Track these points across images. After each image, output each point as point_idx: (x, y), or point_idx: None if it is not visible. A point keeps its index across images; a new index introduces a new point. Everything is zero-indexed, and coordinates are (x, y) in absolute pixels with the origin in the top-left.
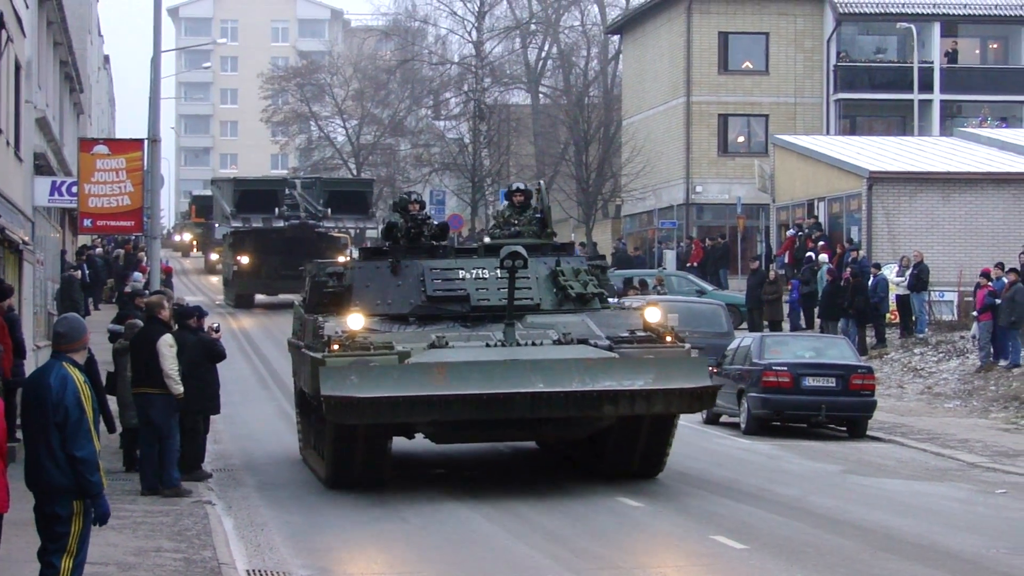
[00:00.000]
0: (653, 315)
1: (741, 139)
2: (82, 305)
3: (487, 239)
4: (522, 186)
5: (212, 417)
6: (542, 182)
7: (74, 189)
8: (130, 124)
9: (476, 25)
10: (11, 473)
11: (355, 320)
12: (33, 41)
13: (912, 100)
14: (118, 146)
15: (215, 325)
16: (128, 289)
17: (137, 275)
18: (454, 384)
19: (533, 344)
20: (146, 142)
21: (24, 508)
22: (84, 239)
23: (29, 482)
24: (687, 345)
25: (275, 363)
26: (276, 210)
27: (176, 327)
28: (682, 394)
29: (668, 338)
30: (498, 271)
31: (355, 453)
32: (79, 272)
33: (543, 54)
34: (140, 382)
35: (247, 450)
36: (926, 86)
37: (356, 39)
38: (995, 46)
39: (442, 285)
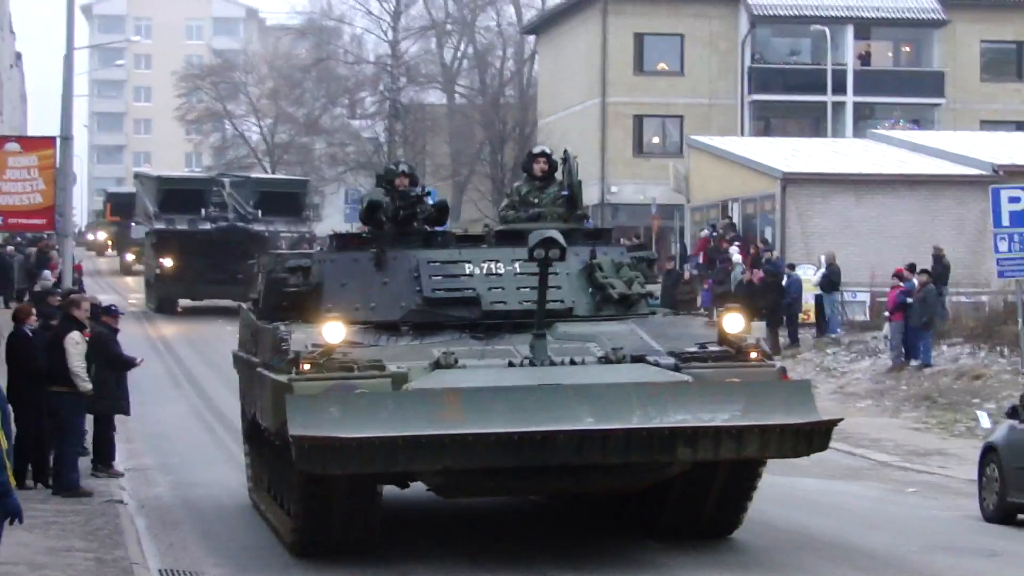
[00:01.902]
0: (734, 323)
1: (656, 140)
2: None
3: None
4: (547, 150)
5: (123, 417)
6: (568, 149)
7: None
8: (42, 121)
9: (392, 24)
10: None
11: (333, 330)
12: None
13: (826, 102)
14: (30, 143)
15: (140, 361)
16: (38, 288)
17: (47, 273)
18: (471, 419)
19: (572, 363)
20: (58, 140)
21: None
22: None
23: None
24: (777, 364)
25: (188, 362)
26: (203, 211)
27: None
28: (784, 433)
29: (753, 354)
30: (516, 265)
31: (333, 511)
32: None
33: (459, 54)
34: (52, 380)
35: (160, 450)
36: (839, 88)
37: (271, 37)
38: (907, 49)
39: (443, 283)
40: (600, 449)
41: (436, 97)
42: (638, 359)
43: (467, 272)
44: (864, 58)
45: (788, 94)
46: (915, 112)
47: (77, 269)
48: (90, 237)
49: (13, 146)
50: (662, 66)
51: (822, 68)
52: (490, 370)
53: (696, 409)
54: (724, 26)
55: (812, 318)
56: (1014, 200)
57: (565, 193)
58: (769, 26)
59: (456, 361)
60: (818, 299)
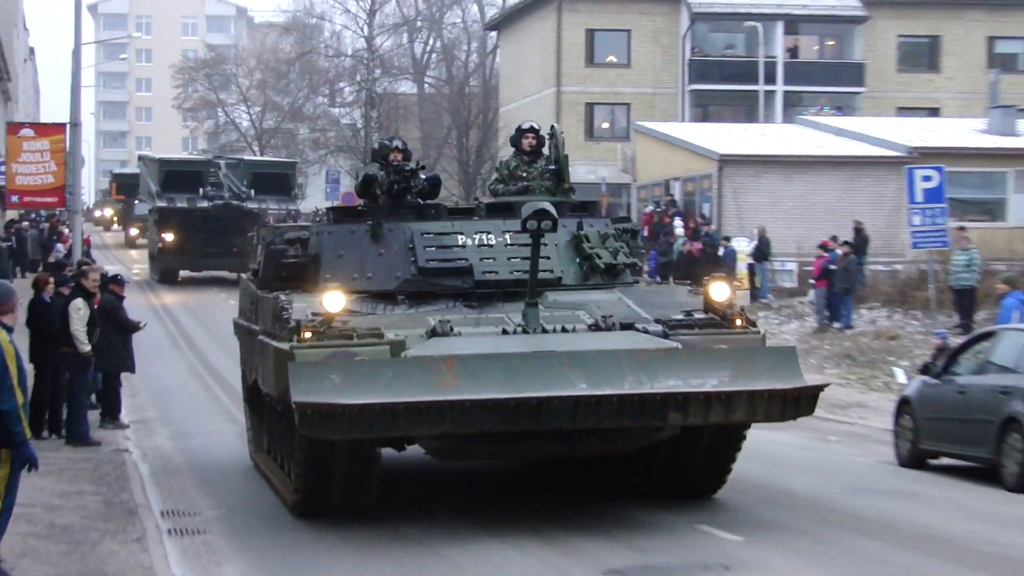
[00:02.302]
0: (720, 291)
1: (606, 125)
2: (9, 273)
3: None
4: (535, 126)
5: (129, 375)
6: (555, 125)
7: (2, 168)
8: (53, 110)
9: (367, 21)
10: None
11: (334, 299)
12: None
13: (758, 91)
14: (43, 129)
15: (143, 324)
16: (52, 259)
17: (59, 246)
18: (468, 385)
19: (564, 330)
20: (68, 126)
21: None
22: (12, 214)
23: None
24: (762, 331)
25: (187, 327)
26: (201, 190)
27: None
28: (772, 398)
29: (738, 321)
30: (507, 236)
31: (334, 474)
32: (9, 243)
33: (428, 48)
34: (62, 342)
35: (161, 404)
36: (770, 79)
37: (259, 34)
38: (831, 43)
39: (437, 254)
40: (593, 414)
41: (408, 87)
42: (627, 326)
43: (459, 243)
44: (792, 51)
45: (724, 84)
46: (838, 100)
47: (86, 243)
48: (97, 214)
49: (27, 132)
50: (611, 59)
51: (755, 60)
52: (485, 338)
53: (686, 375)
54: (667, 22)
55: (745, 285)
56: (927, 179)
57: (552, 167)
58: (707, 22)
59: (452, 329)
60: (751, 268)
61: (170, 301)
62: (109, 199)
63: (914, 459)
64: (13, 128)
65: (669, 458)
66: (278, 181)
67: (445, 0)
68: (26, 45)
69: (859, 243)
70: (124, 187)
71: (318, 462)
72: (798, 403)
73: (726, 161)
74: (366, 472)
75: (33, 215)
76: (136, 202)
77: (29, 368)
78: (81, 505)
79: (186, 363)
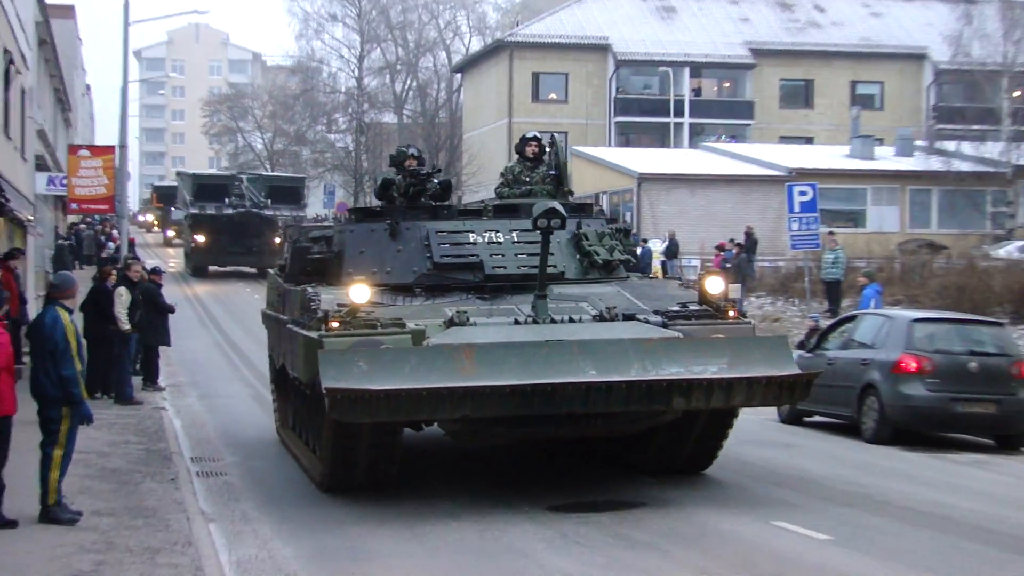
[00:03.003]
0: (715, 285)
1: (548, 149)
2: (70, 266)
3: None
4: (538, 135)
5: (165, 348)
6: (555, 135)
7: (64, 182)
8: (105, 134)
9: (358, 65)
10: (19, 387)
11: (359, 291)
12: (35, 73)
13: (669, 123)
14: (97, 150)
15: (175, 307)
16: (104, 255)
17: (110, 244)
18: (485, 372)
19: (571, 320)
20: (117, 148)
21: (28, 412)
22: (72, 218)
23: (32, 393)
24: (752, 322)
25: (213, 310)
26: (226, 199)
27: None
28: (770, 384)
29: (731, 313)
30: (514, 234)
31: (359, 453)
32: (69, 241)
33: (406, 87)
34: (112, 322)
35: (191, 371)
36: (679, 113)
37: (271, 74)
38: (727, 85)
39: (451, 250)
40: (604, 399)
41: (389, 118)
42: (629, 317)
43: (471, 240)
44: (697, 91)
45: (642, 117)
46: (733, 130)
47: (131, 242)
48: (141, 219)
49: (84, 152)
50: (552, 96)
51: (666, 99)
52: (499, 327)
53: (687, 362)
54: (597, 68)
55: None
56: (803, 194)
57: (553, 172)
58: (629, 68)
59: (468, 319)
60: (663, 264)
61: (200, 291)
62: (151, 206)
63: (793, 417)
64: (73, 149)
65: (666, 439)
66: (290, 193)
67: (420, 48)
68: (83, 82)
69: (749, 244)
70: (163, 197)
71: (345, 442)
72: (793, 389)
73: (644, 178)
74: (389, 451)
75: (88, 219)
76: (173, 209)
77: (84, 342)
78: (126, 452)
79: (212, 339)
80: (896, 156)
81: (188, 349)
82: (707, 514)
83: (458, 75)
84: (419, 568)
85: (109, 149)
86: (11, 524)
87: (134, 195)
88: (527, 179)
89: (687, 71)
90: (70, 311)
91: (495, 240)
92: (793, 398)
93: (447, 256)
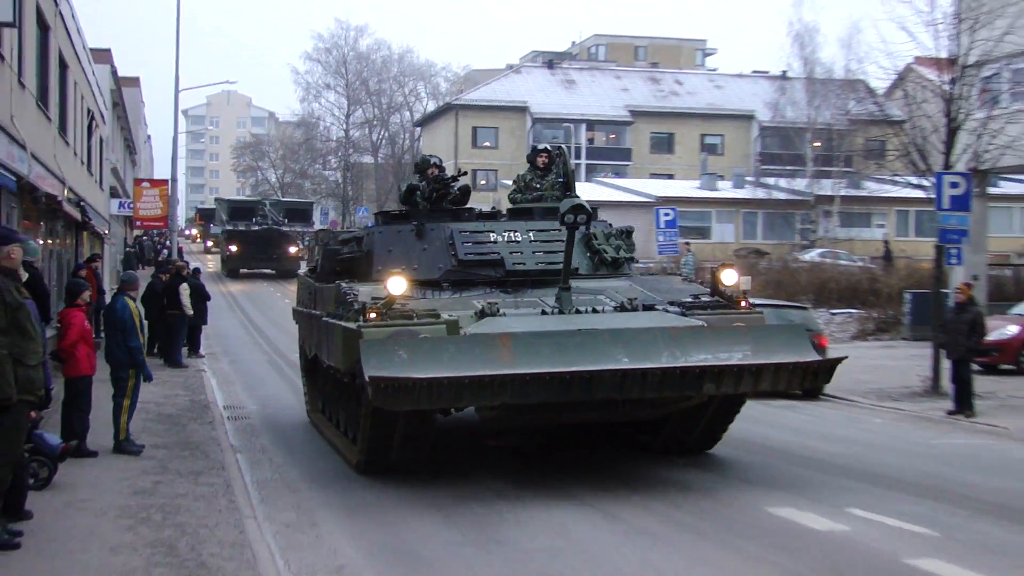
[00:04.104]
0: (730, 277)
1: (483, 182)
2: (135, 266)
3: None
4: (547, 147)
5: (205, 327)
6: (563, 146)
7: (130, 205)
8: (161, 171)
9: (345, 121)
10: (97, 356)
11: (397, 283)
12: (110, 127)
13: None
14: (155, 183)
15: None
16: (160, 259)
17: (164, 251)
18: (523, 360)
19: (595, 311)
20: (170, 180)
21: (103, 373)
22: (136, 232)
23: (106, 359)
24: (762, 312)
25: (241, 301)
26: (253, 219)
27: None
28: (796, 370)
29: (743, 303)
30: (531, 234)
31: (395, 437)
32: (134, 249)
33: (380, 137)
34: (171, 307)
35: (223, 343)
36: (578, 156)
37: (281, 127)
38: (613, 136)
39: (473, 248)
40: (638, 385)
41: (368, 159)
42: (649, 308)
43: (492, 239)
44: (591, 140)
45: None
46: (617, 169)
47: (180, 250)
48: (187, 232)
49: (146, 184)
50: (487, 144)
51: (569, 146)
52: (529, 317)
53: (713, 349)
54: (519, 123)
55: None
56: (667, 215)
57: (561, 180)
58: (542, 124)
59: (498, 310)
60: None
61: (233, 288)
62: (195, 223)
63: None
64: (137, 182)
65: (680, 422)
66: (301, 213)
67: (390, 108)
68: (145, 133)
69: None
70: (204, 216)
71: (382, 427)
72: (817, 374)
73: None
74: (424, 435)
75: (148, 233)
76: (212, 226)
77: (146, 323)
78: (176, 403)
79: (239, 321)
80: (733, 188)
81: (222, 328)
82: (736, 493)
83: (418, 128)
84: (424, 501)
85: (163, 182)
86: (93, 454)
87: (182, 215)
88: (538, 186)
89: (584, 126)
90: (134, 299)
91: (514, 239)
92: (816, 382)
93: (471, 254)
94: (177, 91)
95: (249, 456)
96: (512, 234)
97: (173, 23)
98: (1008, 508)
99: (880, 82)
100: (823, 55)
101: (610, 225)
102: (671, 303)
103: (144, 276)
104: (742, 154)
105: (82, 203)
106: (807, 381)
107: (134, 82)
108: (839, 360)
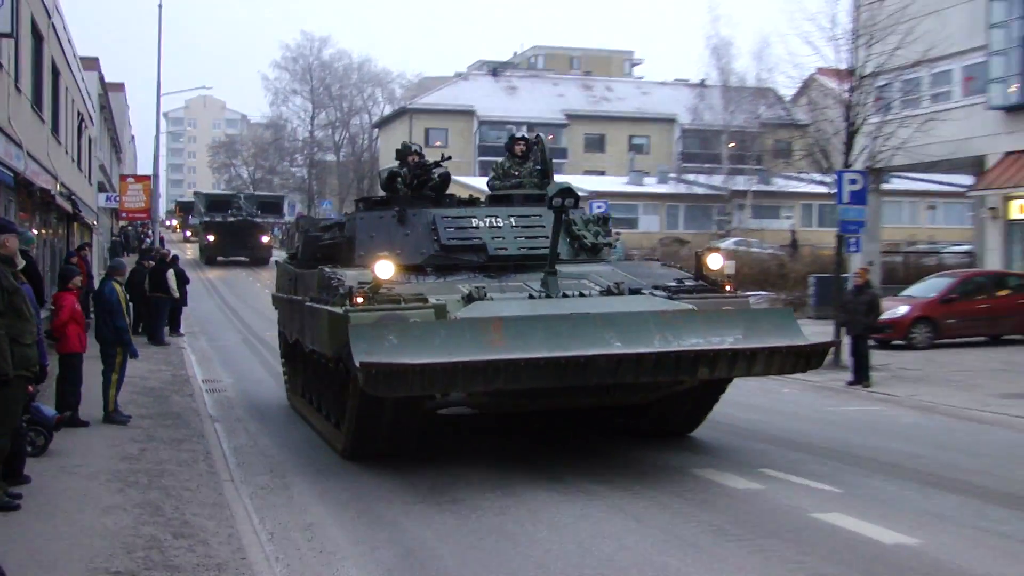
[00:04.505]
0: (715, 261)
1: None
2: (121, 254)
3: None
4: (524, 134)
5: (186, 308)
6: (541, 135)
7: (116, 199)
8: (144, 167)
9: (310, 123)
10: (88, 334)
11: (384, 267)
12: (97, 128)
13: None
14: (138, 179)
15: (174, 254)
16: (144, 247)
17: (147, 240)
18: (515, 345)
19: (581, 295)
20: (152, 176)
21: (93, 350)
22: (122, 223)
23: (96, 338)
24: (748, 296)
25: (218, 285)
26: (229, 211)
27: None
28: (789, 354)
29: (727, 287)
30: (512, 219)
31: (382, 423)
32: (120, 238)
33: (342, 137)
34: (155, 290)
35: (202, 323)
36: None
37: (253, 128)
38: (551, 137)
39: (456, 234)
40: (633, 370)
41: (331, 157)
42: (635, 292)
43: (474, 225)
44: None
45: (495, 157)
46: (555, 166)
47: (161, 239)
48: (168, 223)
49: (130, 179)
50: (438, 143)
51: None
52: (518, 302)
53: (705, 333)
54: (467, 125)
55: None
56: (599, 207)
57: (539, 167)
58: (487, 126)
59: (486, 294)
60: None
61: (211, 275)
62: (175, 215)
63: None
64: (123, 177)
65: (665, 405)
66: (273, 206)
67: (351, 112)
68: (130, 133)
69: None
70: (183, 208)
71: (369, 414)
72: (809, 358)
73: (494, 197)
74: (411, 421)
75: (132, 223)
76: (190, 217)
77: (131, 305)
78: (159, 377)
79: (216, 303)
80: (657, 184)
81: (200, 310)
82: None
83: (376, 129)
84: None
85: (147, 177)
86: (84, 424)
87: (163, 207)
88: (516, 173)
89: (525, 128)
90: (121, 284)
91: (495, 224)
92: (809, 366)
93: (453, 239)
94: (159, 96)
95: (226, 425)
96: (494, 219)
97: (155, 34)
98: (900, 467)
99: (787, 90)
100: (737, 65)
101: (586, 212)
102: (656, 287)
103: (129, 262)
104: (666, 153)
105: (73, 197)
106: (799, 365)
107: (119, 87)
108: (831, 344)
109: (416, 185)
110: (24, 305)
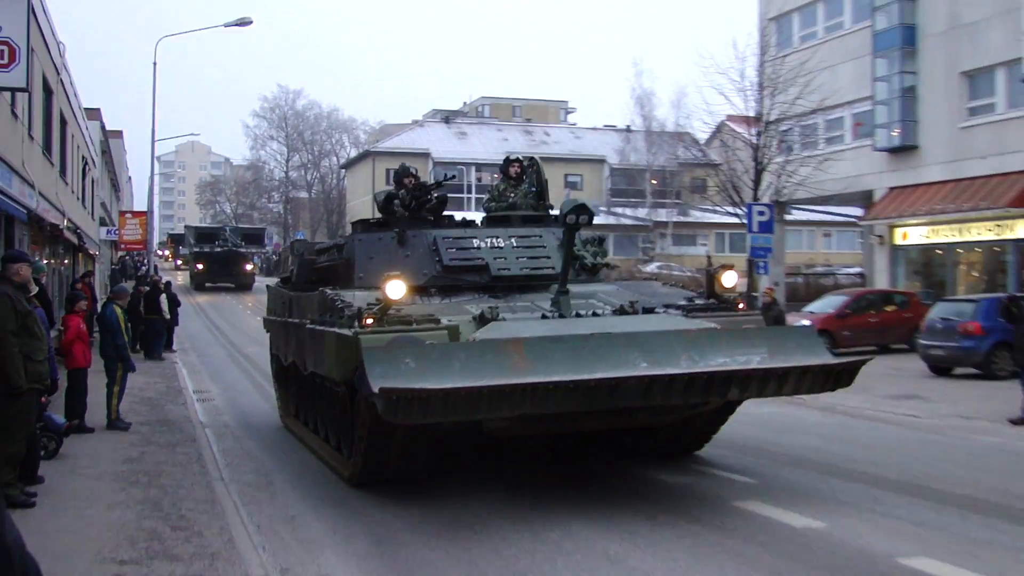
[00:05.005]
0: (730, 279)
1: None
2: (120, 280)
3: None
4: (519, 157)
5: (177, 328)
6: (536, 157)
7: (116, 232)
8: (140, 204)
9: (286, 164)
10: (93, 351)
11: (395, 288)
12: (99, 170)
13: (462, 197)
14: (135, 214)
15: (167, 280)
16: (140, 274)
17: (142, 268)
18: (539, 367)
19: (595, 314)
20: (147, 212)
21: (97, 365)
22: (120, 253)
23: (100, 354)
24: (760, 314)
25: (206, 308)
26: (216, 242)
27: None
28: (819, 373)
29: (740, 305)
30: (512, 240)
31: (393, 447)
32: (118, 266)
33: (313, 177)
34: (150, 313)
35: (192, 341)
36: (470, 191)
37: (235, 169)
38: (496, 176)
39: (458, 254)
40: (664, 392)
41: (304, 194)
42: (649, 310)
43: (475, 245)
44: (479, 179)
45: (451, 193)
46: None
47: (155, 267)
48: (161, 253)
49: (128, 215)
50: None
51: (462, 184)
52: (533, 322)
53: (731, 352)
54: (423, 166)
55: None
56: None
57: (534, 189)
58: (441, 166)
59: (499, 315)
60: None
61: (200, 299)
62: (167, 245)
63: None
64: (122, 213)
65: (675, 425)
66: (256, 237)
67: (321, 154)
68: (127, 174)
69: None
70: (174, 239)
71: (381, 440)
72: (840, 377)
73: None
74: (423, 447)
75: (129, 254)
76: (181, 248)
77: (129, 325)
78: (155, 388)
79: (204, 324)
80: None
81: (191, 329)
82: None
83: (343, 170)
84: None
85: (142, 213)
86: (90, 430)
87: (156, 238)
88: (511, 195)
89: (474, 168)
90: (122, 307)
91: (496, 245)
92: (839, 385)
93: (455, 259)
94: (153, 142)
95: (215, 430)
96: (495, 240)
97: (151, 87)
98: (807, 460)
99: (702, 134)
100: (658, 113)
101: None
102: (667, 306)
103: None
104: (597, 190)
105: (78, 230)
106: (828, 384)
107: (119, 134)
108: (863, 362)
109: (415, 207)
110: (36, 326)
